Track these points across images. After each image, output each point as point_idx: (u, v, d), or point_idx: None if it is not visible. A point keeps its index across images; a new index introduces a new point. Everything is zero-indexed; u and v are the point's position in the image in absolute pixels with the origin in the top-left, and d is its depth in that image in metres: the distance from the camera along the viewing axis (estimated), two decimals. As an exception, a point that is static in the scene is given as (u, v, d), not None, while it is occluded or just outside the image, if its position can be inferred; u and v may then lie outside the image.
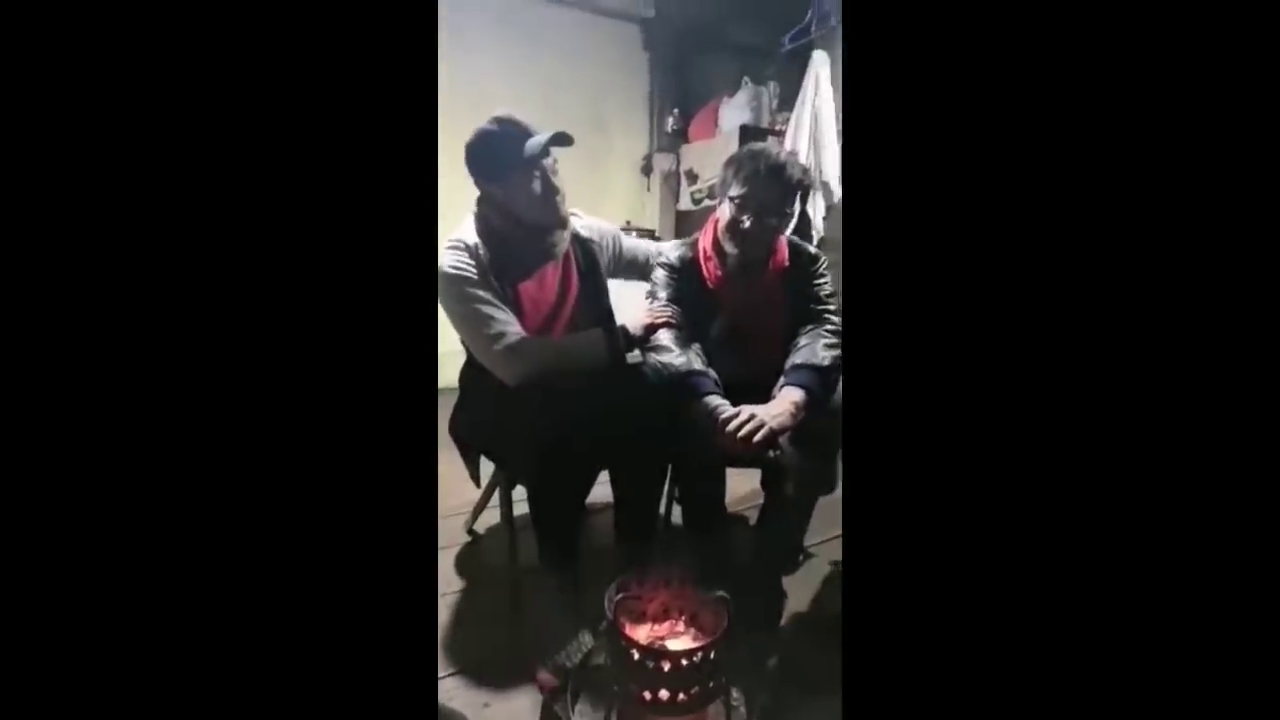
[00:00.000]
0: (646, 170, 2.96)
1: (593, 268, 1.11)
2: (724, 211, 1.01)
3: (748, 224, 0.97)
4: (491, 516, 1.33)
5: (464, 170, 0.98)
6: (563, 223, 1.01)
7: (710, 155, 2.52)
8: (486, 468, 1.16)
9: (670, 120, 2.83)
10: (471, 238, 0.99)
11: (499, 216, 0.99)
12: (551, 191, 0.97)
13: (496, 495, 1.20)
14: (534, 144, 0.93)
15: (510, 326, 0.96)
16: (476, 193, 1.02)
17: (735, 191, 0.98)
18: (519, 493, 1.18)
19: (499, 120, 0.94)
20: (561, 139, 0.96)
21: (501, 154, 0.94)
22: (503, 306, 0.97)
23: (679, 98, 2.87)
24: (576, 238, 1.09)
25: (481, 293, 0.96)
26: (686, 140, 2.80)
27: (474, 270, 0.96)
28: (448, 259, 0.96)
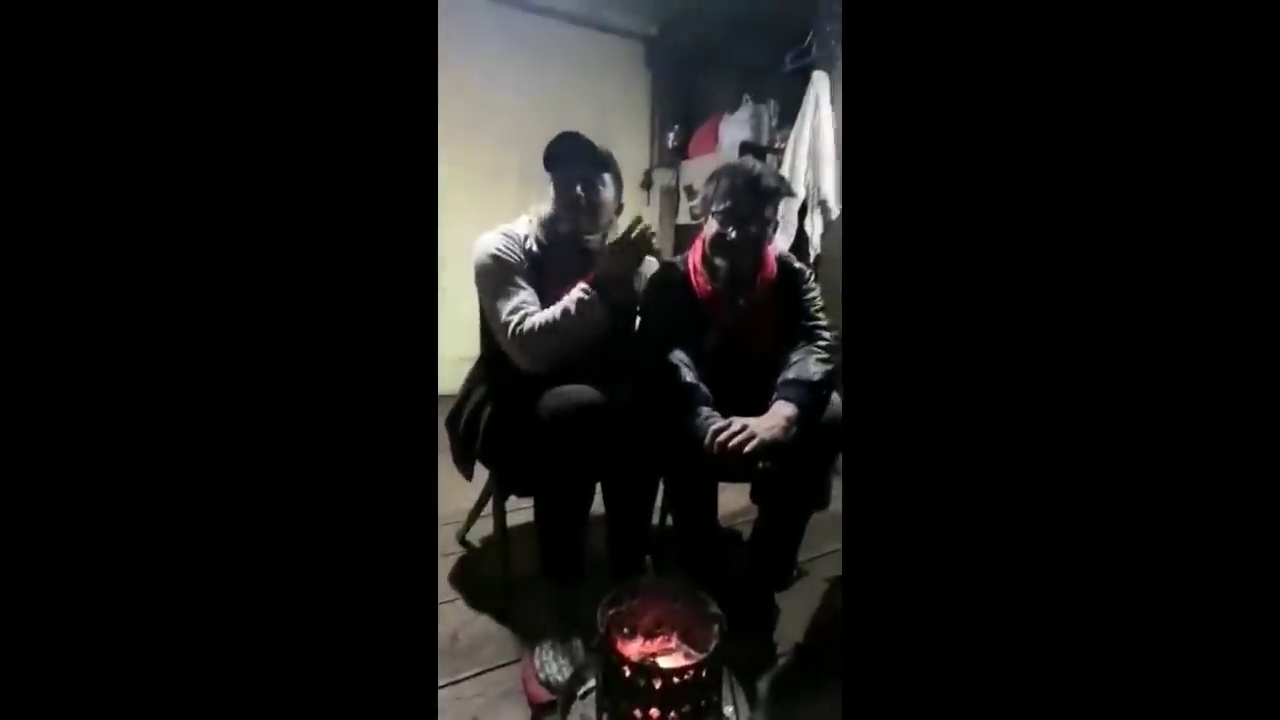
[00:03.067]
0: (646, 185, 2.98)
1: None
2: (710, 226, 1.04)
3: (733, 235, 1.00)
4: (484, 526, 1.32)
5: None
6: (599, 234, 1.08)
7: (709, 171, 2.54)
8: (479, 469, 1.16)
9: (671, 136, 2.86)
10: (524, 229, 1.07)
11: (552, 218, 1.07)
12: (592, 204, 1.05)
13: (489, 505, 1.20)
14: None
15: (532, 309, 1.01)
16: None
17: (718, 206, 1.01)
18: (512, 503, 1.18)
19: (568, 132, 1.04)
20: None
21: (554, 159, 1.04)
22: (530, 290, 1.03)
23: (680, 114, 2.90)
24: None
25: (515, 276, 1.02)
26: (686, 156, 2.83)
27: (515, 257, 1.03)
28: (494, 241, 1.04)
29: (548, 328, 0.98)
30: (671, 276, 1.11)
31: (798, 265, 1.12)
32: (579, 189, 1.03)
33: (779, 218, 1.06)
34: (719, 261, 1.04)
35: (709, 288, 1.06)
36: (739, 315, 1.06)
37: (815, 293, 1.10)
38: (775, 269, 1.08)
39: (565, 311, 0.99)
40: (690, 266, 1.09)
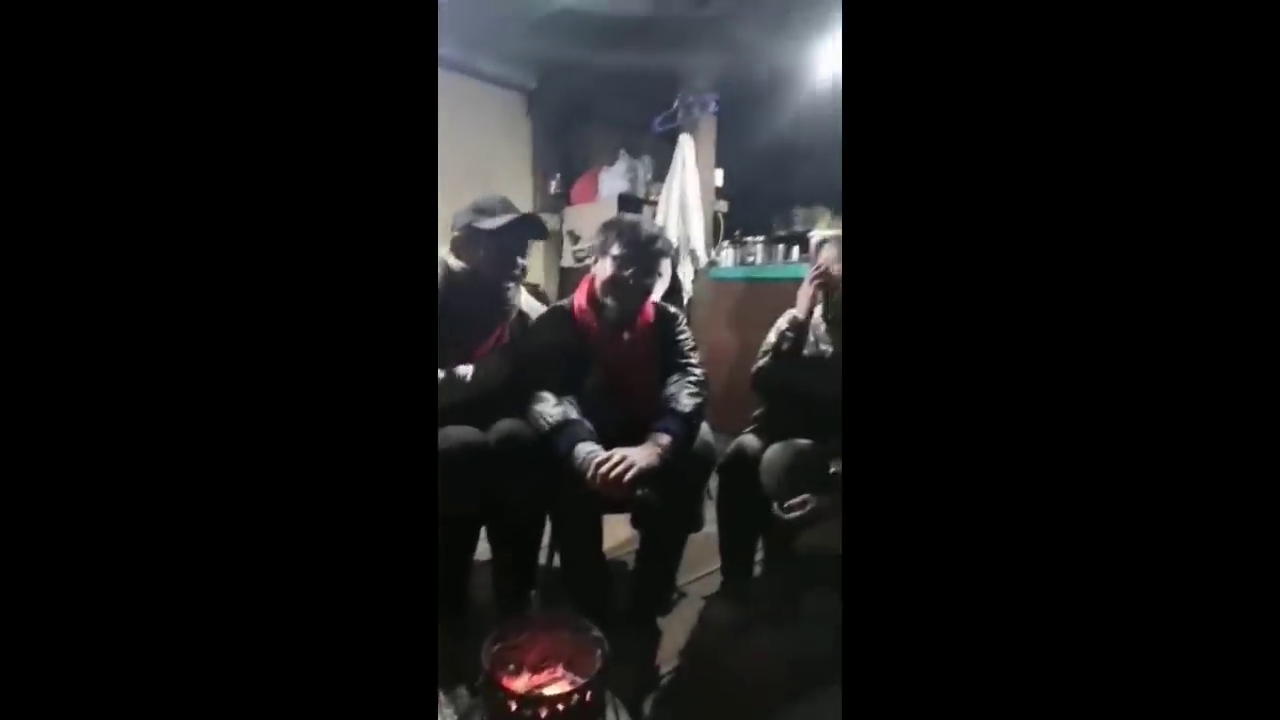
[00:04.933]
0: (530, 228, 3.04)
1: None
2: (604, 268, 1.11)
3: (630, 280, 1.09)
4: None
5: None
6: (508, 288, 1.11)
7: (591, 218, 2.67)
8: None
9: (553, 184, 2.97)
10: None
11: (461, 272, 1.08)
12: (503, 261, 1.08)
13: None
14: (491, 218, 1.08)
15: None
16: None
17: (616, 251, 1.09)
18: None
19: (490, 197, 1.11)
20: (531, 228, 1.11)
21: (469, 218, 1.08)
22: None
23: (561, 163, 3.02)
24: (520, 312, 1.20)
25: None
26: (569, 203, 2.95)
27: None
28: None
29: (455, 383, 1.01)
30: (557, 316, 1.17)
31: (672, 310, 1.23)
32: (489, 249, 1.07)
33: (667, 273, 1.18)
34: (609, 302, 1.11)
35: (595, 326, 1.13)
36: (620, 354, 1.14)
37: (687, 334, 1.21)
38: (653, 314, 1.18)
39: (477, 369, 1.04)
40: (575, 307, 1.15)
